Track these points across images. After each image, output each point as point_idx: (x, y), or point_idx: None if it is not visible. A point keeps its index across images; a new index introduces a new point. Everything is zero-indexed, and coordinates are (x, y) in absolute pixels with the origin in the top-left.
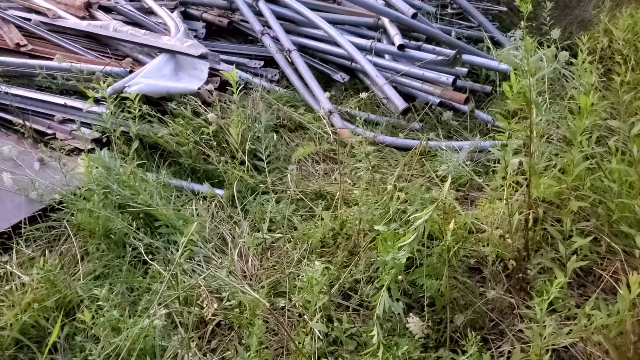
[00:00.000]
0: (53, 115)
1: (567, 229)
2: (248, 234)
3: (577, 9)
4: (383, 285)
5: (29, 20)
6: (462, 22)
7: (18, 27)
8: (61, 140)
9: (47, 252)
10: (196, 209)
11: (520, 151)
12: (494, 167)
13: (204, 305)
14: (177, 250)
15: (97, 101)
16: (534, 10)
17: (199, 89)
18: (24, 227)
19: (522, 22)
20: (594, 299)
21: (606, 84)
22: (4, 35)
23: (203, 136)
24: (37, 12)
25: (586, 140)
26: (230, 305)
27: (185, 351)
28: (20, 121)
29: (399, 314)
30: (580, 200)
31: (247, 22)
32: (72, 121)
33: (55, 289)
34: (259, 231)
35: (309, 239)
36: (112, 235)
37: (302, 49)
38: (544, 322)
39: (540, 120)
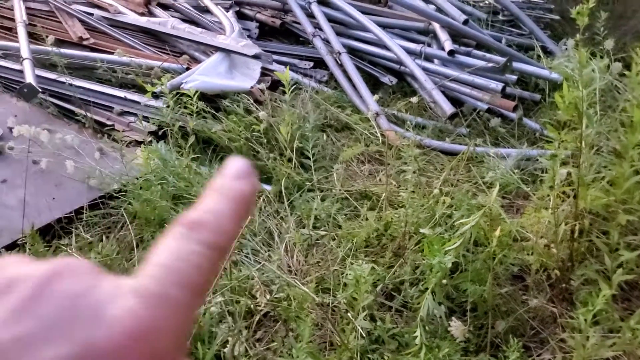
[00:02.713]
0: (112, 107)
1: (614, 242)
2: (294, 229)
3: (632, 19)
4: (428, 288)
5: (92, 15)
6: (513, 30)
7: (81, 21)
8: (120, 131)
9: (104, 237)
10: None
11: (569, 162)
12: (542, 176)
13: (257, 296)
14: None
15: (155, 96)
16: (588, 20)
17: (251, 87)
18: (85, 213)
19: (577, 35)
20: (639, 313)
21: None
22: (68, 28)
23: (254, 133)
24: (99, 8)
25: (637, 155)
26: (277, 297)
27: (236, 339)
28: (82, 112)
29: (440, 317)
30: (629, 214)
31: (299, 23)
32: (130, 113)
33: (112, 273)
34: (304, 227)
35: (354, 238)
36: (166, 225)
37: (352, 51)
38: (587, 332)
39: (591, 131)
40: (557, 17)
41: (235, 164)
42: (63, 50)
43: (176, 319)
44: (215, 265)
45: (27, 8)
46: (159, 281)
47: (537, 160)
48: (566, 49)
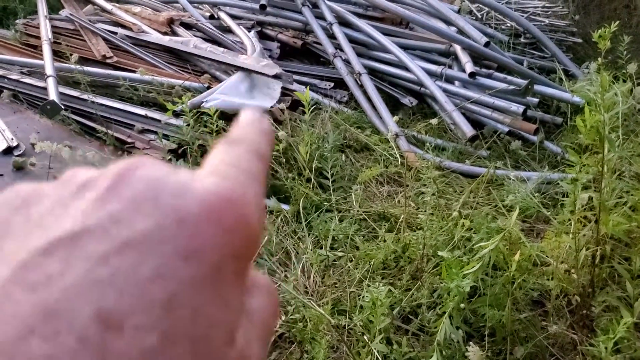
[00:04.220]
0: (133, 125)
1: (636, 268)
2: (311, 250)
3: None
4: (445, 312)
5: (116, 33)
6: (535, 52)
7: (105, 39)
8: (140, 149)
9: None
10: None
11: (590, 186)
12: (563, 200)
13: None
14: None
15: (175, 114)
16: (610, 43)
17: (271, 107)
18: None
19: (599, 59)
20: None
21: None
22: (92, 47)
23: (273, 153)
24: (123, 27)
25: None
26: (293, 318)
27: None
28: (103, 129)
29: (458, 341)
30: None
31: (320, 44)
32: (151, 131)
33: None
34: (321, 248)
35: (371, 260)
36: None
37: (372, 72)
38: None
39: (613, 156)
40: (579, 40)
41: (247, 115)
42: (87, 68)
43: (255, 189)
44: (263, 172)
45: (53, 26)
46: (228, 173)
47: (558, 184)
48: (588, 72)
